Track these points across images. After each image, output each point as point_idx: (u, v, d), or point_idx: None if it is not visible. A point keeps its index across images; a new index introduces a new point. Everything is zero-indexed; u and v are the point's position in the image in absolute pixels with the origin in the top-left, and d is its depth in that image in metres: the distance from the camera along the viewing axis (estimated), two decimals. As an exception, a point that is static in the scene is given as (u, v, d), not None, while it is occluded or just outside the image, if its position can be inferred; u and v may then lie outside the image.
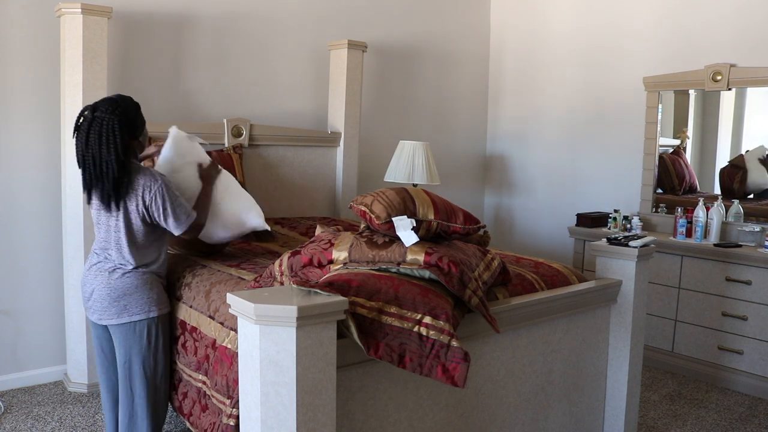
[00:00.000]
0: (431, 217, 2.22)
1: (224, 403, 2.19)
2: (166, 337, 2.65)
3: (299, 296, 1.78)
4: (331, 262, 2.20)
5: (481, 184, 5.71)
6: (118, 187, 2.40)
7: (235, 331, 2.22)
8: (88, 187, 2.45)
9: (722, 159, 4.31)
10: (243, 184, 3.81)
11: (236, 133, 3.99)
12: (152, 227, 2.52)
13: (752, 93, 4.14)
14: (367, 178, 4.85)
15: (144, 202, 2.43)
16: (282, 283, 2.33)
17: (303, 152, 4.32)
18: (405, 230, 2.13)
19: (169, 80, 3.98)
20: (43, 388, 3.58)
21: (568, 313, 2.64)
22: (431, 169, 4.37)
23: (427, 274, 2.10)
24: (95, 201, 2.46)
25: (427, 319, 1.95)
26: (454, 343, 1.93)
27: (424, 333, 1.94)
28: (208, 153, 3.73)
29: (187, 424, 2.51)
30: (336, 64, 4.45)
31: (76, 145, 2.43)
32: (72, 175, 3.38)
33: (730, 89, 4.11)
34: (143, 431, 2.56)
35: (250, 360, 1.78)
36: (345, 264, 2.17)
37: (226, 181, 2.92)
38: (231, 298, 1.81)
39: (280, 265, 2.35)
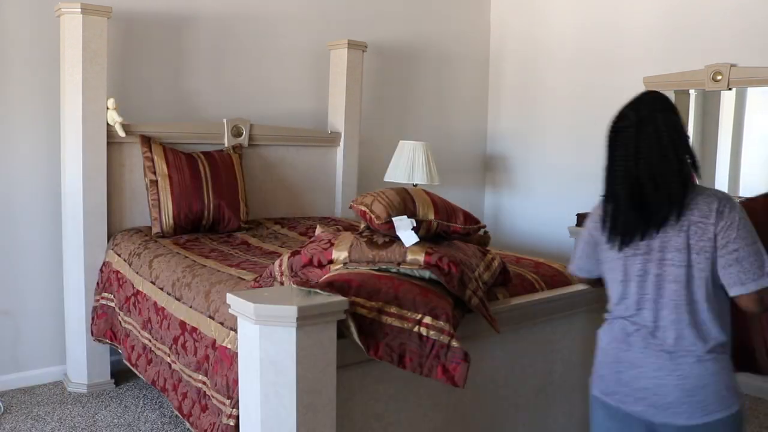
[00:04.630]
0: (431, 217, 2.22)
1: (224, 404, 2.19)
2: None
3: (299, 296, 1.78)
4: (331, 262, 2.20)
5: (481, 184, 5.71)
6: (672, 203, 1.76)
7: (235, 331, 2.22)
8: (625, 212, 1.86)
9: (722, 159, 4.31)
10: (243, 185, 3.82)
11: (236, 133, 3.99)
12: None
13: (752, 93, 4.13)
14: (367, 178, 4.84)
15: (715, 229, 1.70)
16: (282, 283, 2.33)
17: (303, 152, 4.31)
18: (405, 230, 2.13)
19: (169, 80, 3.97)
20: (43, 388, 3.58)
21: (568, 313, 2.63)
22: (431, 169, 4.36)
23: (427, 274, 2.10)
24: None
25: (427, 320, 1.95)
26: (454, 343, 1.93)
27: (424, 333, 1.94)
28: (208, 153, 3.77)
29: (187, 425, 2.51)
30: (336, 64, 4.44)
31: (616, 156, 1.92)
32: (72, 176, 3.38)
33: (730, 89, 4.11)
34: None
35: (250, 360, 1.78)
36: (345, 264, 2.17)
37: None
38: (231, 298, 1.81)
39: (280, 265, 2.35)
